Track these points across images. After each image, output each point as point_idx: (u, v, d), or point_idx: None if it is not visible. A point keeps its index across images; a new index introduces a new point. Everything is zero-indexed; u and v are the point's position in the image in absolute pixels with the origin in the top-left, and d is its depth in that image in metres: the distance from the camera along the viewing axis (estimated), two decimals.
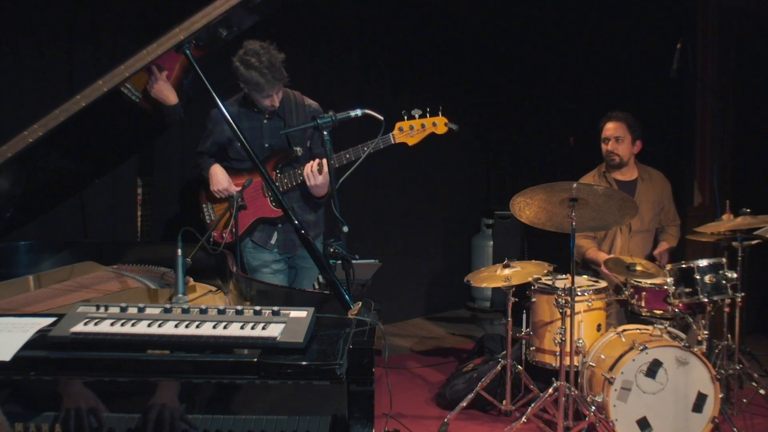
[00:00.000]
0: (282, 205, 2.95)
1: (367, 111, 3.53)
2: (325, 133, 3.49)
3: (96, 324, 2.36)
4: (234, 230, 4.25)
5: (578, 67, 8.02)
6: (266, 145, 4.79)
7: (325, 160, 4.55)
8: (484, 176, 9.36)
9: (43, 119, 2.77)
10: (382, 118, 3.52)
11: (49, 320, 2.46)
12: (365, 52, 7.73)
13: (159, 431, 2.31)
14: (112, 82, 2.75)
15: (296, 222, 2.92)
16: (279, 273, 4.92)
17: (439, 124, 4.59)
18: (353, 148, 4.47)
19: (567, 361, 4.80)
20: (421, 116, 4.55)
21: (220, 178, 4.76)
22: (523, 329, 5.39)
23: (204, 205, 4.84)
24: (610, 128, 5.81)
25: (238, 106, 4.84)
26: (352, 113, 3.57)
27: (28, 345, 2.30)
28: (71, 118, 2.77)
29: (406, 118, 4.55)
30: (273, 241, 4.83)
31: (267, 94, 4.63)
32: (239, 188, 4.64)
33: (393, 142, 4.56)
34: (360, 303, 2.68)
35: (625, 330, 4.95)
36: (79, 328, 2.34)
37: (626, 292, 5.21)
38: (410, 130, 4.56)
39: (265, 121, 4.84)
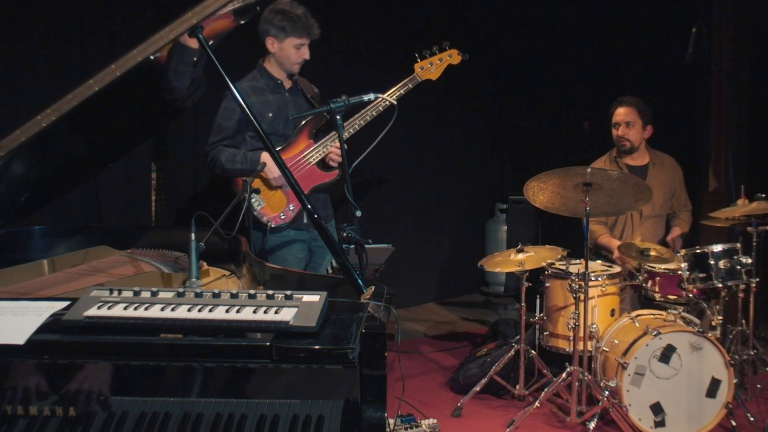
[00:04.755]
0: (295, 188, 2.94)
1: (380, 95, 3.53)
2: (338, 117, 3.49)
3: (109, 308, 2.36)
4: (246, 216, 4.24)
5: (593, 52, 7.98)
6: (291, 117, 4.80)
7: (337, 144, 4.58)
8: (498, 161, 9.33)
9: (56, 103, 2.77)
10: (395, 102, 3.52)
11: (63, 304, 2.47)
12: (375, 34, 7.70)
13: (171, 415, 2.31)
14: (125, 66, 2.75)
15: (309, 206, 2.92)
16: (302, 252, 4.93)
17: (454, 56, 5.01)
18: (380, 99, 4.62)
19: (580, 346, 4.81)
20: (433, 54, 4.94)
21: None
22: (537, 314, 5.39)
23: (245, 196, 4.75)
24: (621, 113, 5.79)
25: (260, 79, 4.88)
26: (365, 97, 3.57)
27: (42, 329, 2.31)
28: (84, 102, 2.77)
29: (419, 59, 4.90)
30: (305, 221, 4.82)
31: (305, 41, 4.75)
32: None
33: (420, 80, 4.85)
34: (373, 287, 2.68)
35: (638, 315, 4.95)
36: (93, 312, 2.34)
37: (640, 278, 5.19)
38: (430, 66, 4.91)
39: (287, 94, 4.90)
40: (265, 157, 4.61)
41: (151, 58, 2.79)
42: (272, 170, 4.64)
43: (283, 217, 4.68)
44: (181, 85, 3.41)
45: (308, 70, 5.05)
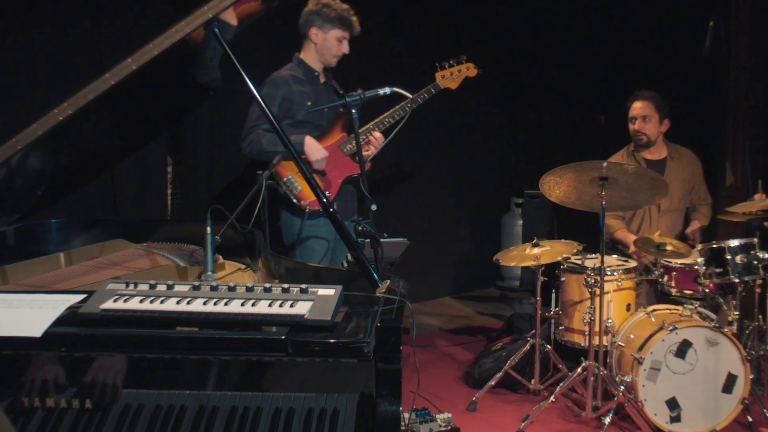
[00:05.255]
0: (309, 181, 2.95)
1: (396, 89, 3.54)
2: (353, 111, 3.49)
3: (125, 301, 2.37)
4: (261, 208, 4.24)
5: (610, 45, 7.94)
6: (325, 109, 4.84)
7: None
8: (514, 155, 9.31)
9: (72, 97, 2.78)
10: (410, 95, 3.52)
11: (80, 297, 2.48)
12: (391, 29, 7.69)
13: (187, 408, 2.32)
14: (141, 60, 2.76)
15: (325, 200, 2.92)
16: (329, 242, 4.96)
17: (471, 68, 5.18)
18: (408, 100, 4.81)
19: (596, 340, 4.80)
20: (450, 66, 5.11)
21: (319, 146, 4.81)
22: (552, 308, 5.38)
23: (285, 179, 4.78)
24: (637, 107, 5.78)
25: (298, 69, 5.01)
26: (381, 91, 3.58)
27: (59, 321, 2.31)
28: (101, 96, 2.78)
29: (439, 68, 5.08)
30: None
31: (347, 35, 4.95)
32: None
33: (441, 88, 5.07)
34: (388, 281, 2.68)
35: (654, 310, 4.93)
36: (109, 305, 2.35)
37: (656, 272, 5.17)
38: (450, 76, 5.09)
39: (321, 87, 5.03)
40: (309, 140, 4.77)
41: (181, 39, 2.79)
42: (314, 153, 4.75)
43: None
44: (218, 62, 3.45)
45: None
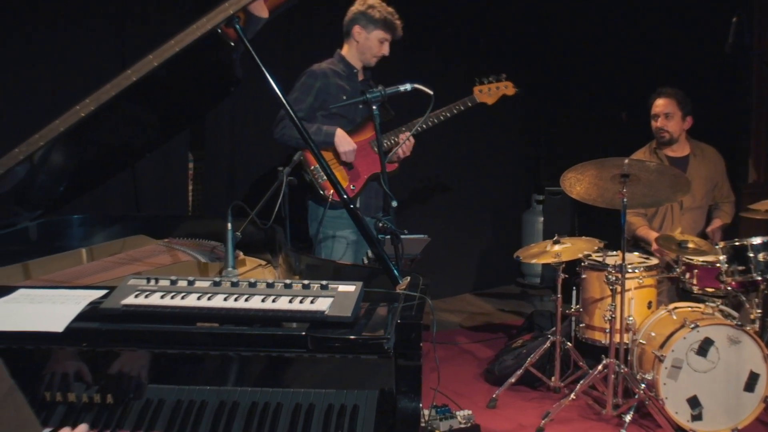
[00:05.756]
0: (331, 179, 2.95)
1: (417, 85, 3.54)
2: (374, 107, 3.49)
3: (147, 297, 2.38)
4: (282, 204, 4.24)
5: (632, 41, 7.91)
6: (360, 107, 4.89)
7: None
8: (535, 152, 9.29)
9: (94, 93, 2.79)
10: (431, 92, 3.52)
11: (101, 293, 2.49)
12: (416, 32, 7.69)
13: (207, 403, 2.33)
14: (162, 56, 2.76)
15: (345, 196, 2.93)
16: (352, 237, 4.98)
17: (509, 87, 5.25)
18: (444, 108, 5.00)
19: (617, 338, 4.78)
20: (490, 81, 5.19)
21: (349, 139, 4.88)
22: (573, 306, 5.37)
23: (312, 167, 4.82)
24: (660, 105, 5.74)
25: (338, 64, 5.11)
26: (402, 88, 3.58)
27: (81, 317, 2.32)
28: (122, 93, 2.79)
29: (477, 83, 5.17)
30: (358, 205, 4.92)
31: (389, 37, 5.04)
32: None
33: (477, 101, 5.18)
34: (408, 278, 2.68)
35: (676, 308, 4.91)
36: (130, 300, 2.36)
37: (678, 270, 5.14)
38: (488, 92, 5.17)
39: (359, 84, 5.10)
40: (340, 132, 4.86)
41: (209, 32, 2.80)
42: (343, 144, 4.83)
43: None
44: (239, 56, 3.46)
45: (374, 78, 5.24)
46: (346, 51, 5.14)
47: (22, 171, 3.12)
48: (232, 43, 3.05)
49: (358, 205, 4.89)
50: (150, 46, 2.78)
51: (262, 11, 3.14)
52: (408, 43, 7.48)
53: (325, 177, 4.72)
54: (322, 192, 4.79)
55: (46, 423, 2.30)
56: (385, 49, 5.08)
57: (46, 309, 2.37)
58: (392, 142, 4.98)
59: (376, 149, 4.87)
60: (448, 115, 5.01)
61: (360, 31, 5.03)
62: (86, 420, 2.33)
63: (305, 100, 4.96)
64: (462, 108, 5.07)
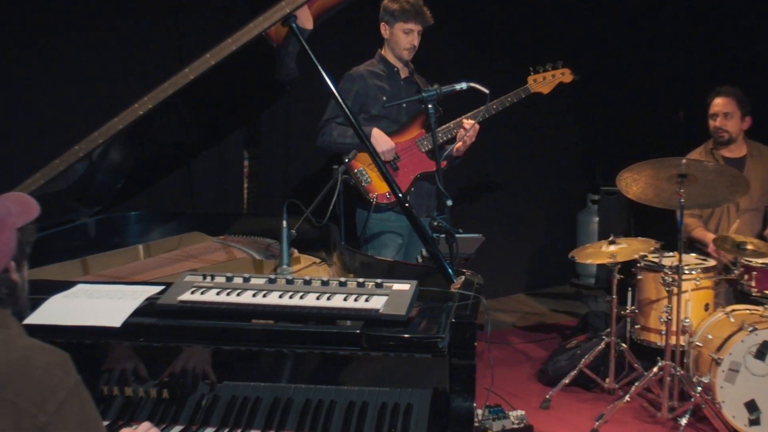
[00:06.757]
0: (385, 176, 2.96)
1: (473, 84, 3.52)
2: (429, 106, 3.48)
3: (203, 293, 2.40)
4: (338, 202, 4.26)
5: (690, 39, 7.81)
6: (404, 105, 4.90)
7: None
8: (591, 151, 9.21)
9: (152, 92, 2.82)
10: (487, 91, 3.50)
11: (158, 288, 2.52)
12: (468, 26, 7.67)
13: (262, 399, 2.34)
14: (219, 55, 2.79)
15: (400, 195, 2.92)
16: (401, 237, 4.96)
17: (567, 74, 5.17)
18: (498, 100, 4.91)
19: (673, 340, 4.72)
20: (545, 70, 5.10)
21: (386, 138, 4.82)
22: (628, 307, 5.31)
23: (356, 170, 4.79)
24: (719, 104, 5.64)
25: (378, 65, 5.06)
26: (457, 86, 3.56)
27: (138, 312, 2.36)
28: (180, 91, 2.82)
29: (532, 72, 5.08)
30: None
31: (413, 27, 4.90)
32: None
33: (531, 92, 5.06)
34: (463, 277, 2.67)
35: (734, 310, 4.83)
36: (187, 296, 2.39)
37: (736, 272, 5.05)
38: (543, 81, 5.09)
39: (401, 83, 5.05)
40: (376, 132, 4.78)
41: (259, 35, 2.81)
42: (380, 144, 4.76)
43: (388, 196, 4.73)
44: (294, 62, 3.48)
45: (424, 70, 5.24)
46: (384, 50, 5.10)
47: (81, 168, 3.17)
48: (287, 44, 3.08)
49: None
50: (208, 45, 2.80)
51: (306, 22, 3.16)
52: (460, 30, 7.48)
53: (370, 180, 4.73)
54: (366, 195, 4.76)
55: (104, 416, 2.34)
56: (414, 39, 4.96)
57: (105, 304, 2.41)
58: (446, 137, 4.91)
59: (422, 148, 4.86)
60: (500, 108, 4.92)
61: (385, 27, 4.98)
62: (142, 414, 2.36)
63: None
64: (515, 100, 4.98)
